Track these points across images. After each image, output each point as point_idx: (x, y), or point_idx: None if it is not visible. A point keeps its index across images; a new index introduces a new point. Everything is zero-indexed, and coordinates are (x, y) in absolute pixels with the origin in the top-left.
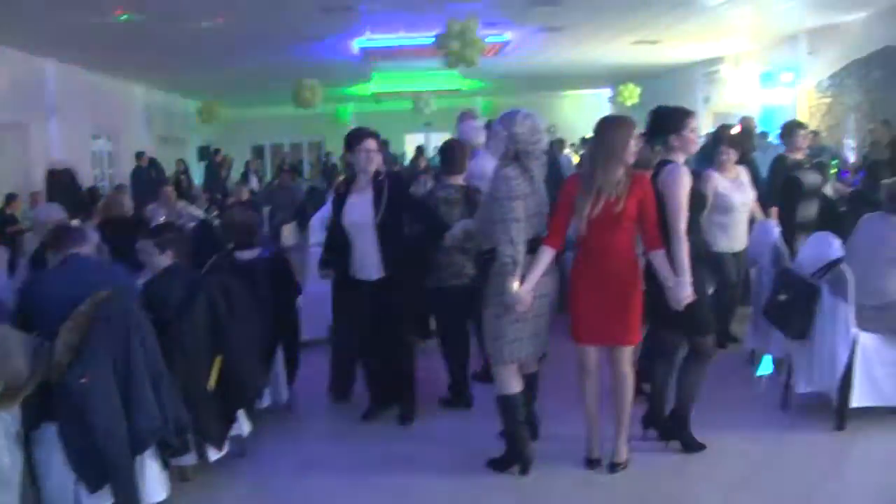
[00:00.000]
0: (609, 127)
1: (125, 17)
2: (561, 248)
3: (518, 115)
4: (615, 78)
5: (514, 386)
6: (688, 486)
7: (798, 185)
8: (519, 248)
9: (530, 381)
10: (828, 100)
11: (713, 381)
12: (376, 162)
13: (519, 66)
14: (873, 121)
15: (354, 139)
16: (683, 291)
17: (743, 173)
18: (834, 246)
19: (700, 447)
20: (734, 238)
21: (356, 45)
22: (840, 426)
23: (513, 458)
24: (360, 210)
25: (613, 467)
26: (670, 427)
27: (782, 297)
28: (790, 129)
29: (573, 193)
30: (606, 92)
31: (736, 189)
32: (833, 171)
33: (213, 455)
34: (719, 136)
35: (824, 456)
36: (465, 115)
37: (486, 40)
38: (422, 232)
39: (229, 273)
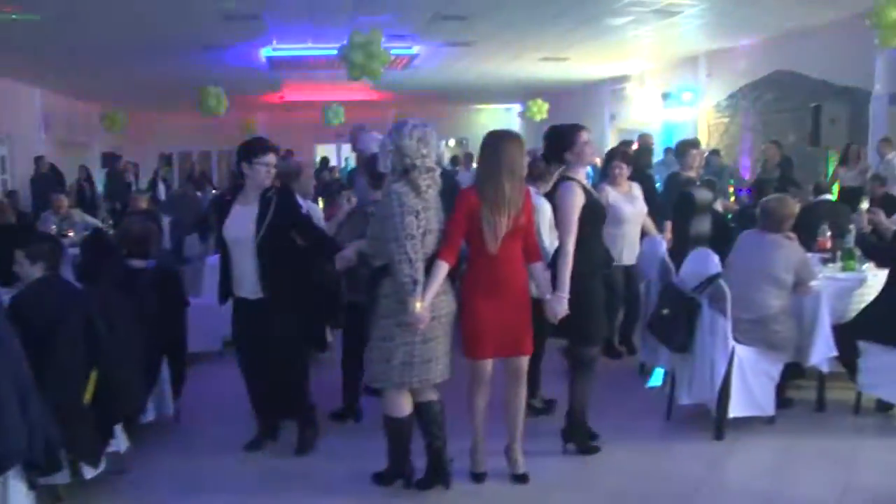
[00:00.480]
0: (505, 142)
1: (16, 16)
2: (455, 264)
3: (406, 126)
4: (526, 93)
5: (404, 409)
6: (571, 497)
7: (691, 201)
8: (417, 266)
9: (431, 414)
10: (725, 120)
11: (604, 391)
12: (273, 177)
13: (430, 79)
14: (766, 140)
15: (254, 151)
16: (560, 306)
17: (635, 188)
18: (713, 262)
19: (595, 450)
20: (624, 250)
21: (263, 54)
22: (719, 436)
23: (395, 473)
24: (243, 224)
25: (524, 478)
26: (566, 430)
27: (665, 312)
28: (683, 149)
29: (473, 208)
30: (517, 107)
31: (627, 202)
32: (731, 189)
33: (89, 473)
34: (613, 152)
35: (702, 465)
36: (360, 128)
37: (393, 53)
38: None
39: (112, 284)
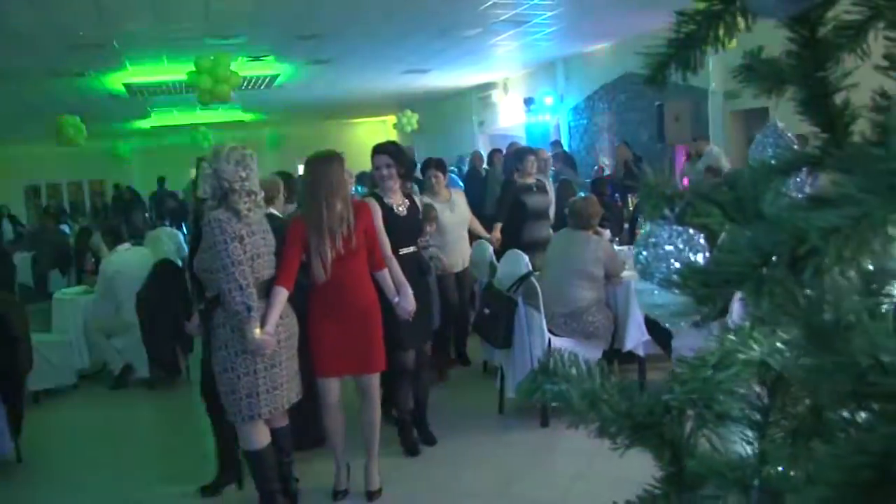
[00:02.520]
0: (320, 164)
1: None
2: (292, 289)
3: (223, 150)
4: (397, 105)
5: (261, 440)
6: (396, 490)
7: (522, 207)
8: (249, 292)
9: (278, 440)
10: (584, 121)
11: (447, 390)
12: None
13: (298, 96)
14: (622, 139)
15: None
16: (407, 303)
17: (456, 195)
18: (524, 262)
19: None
20: (451, 258)
21: (120, 81)
22: (545, 423)
23: None
24: None
25: (371, 496)
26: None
27: (487, 311)
28: (520, 155)
29: (302, 235)
30: (392, 118)
31: (446, 210)
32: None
33: None
34: (428, 162)
35: (527, 451)
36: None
37: (251, 75)
38: None
39: None
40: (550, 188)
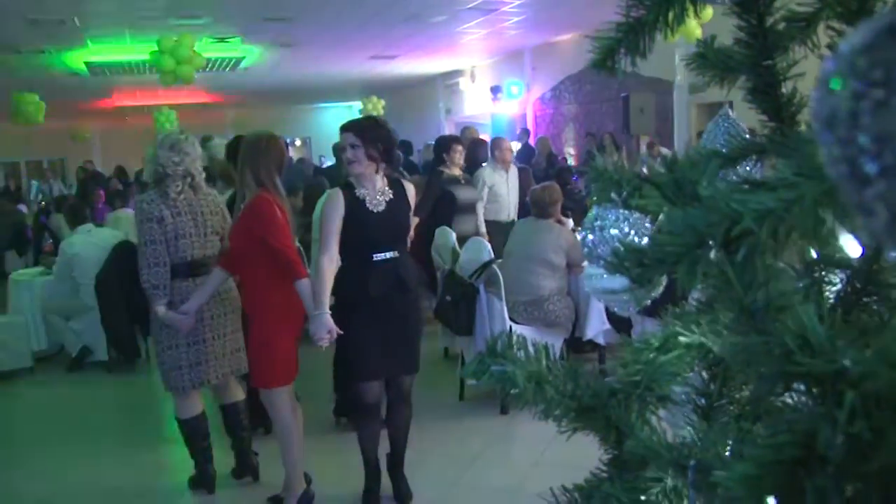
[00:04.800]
0: (241, 145)
1: None
2: (234, 272)
3: (162, 137)
4: (364, 91)
5: (189, 410)
6: (339, 472)
7: (453, 199)
8: (156, 271)
9: (230, 416)
10: (550, 111)
11: None
12: None
13: (263, 79)
14: (589, 129)
15: None
16: (318, 325)
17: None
18: (486, 249)
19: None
20: None
21: (82, 59)
22: (504, 411)
23: (200, 477)
24: None
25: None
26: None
27: (448, 298)
28: (447, 146)
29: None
30: (359, 104)
31: None
32: None
33: None
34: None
35: (487, 438)
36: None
37: (216, 56)
38: None
39: None
40: (514, 177)
